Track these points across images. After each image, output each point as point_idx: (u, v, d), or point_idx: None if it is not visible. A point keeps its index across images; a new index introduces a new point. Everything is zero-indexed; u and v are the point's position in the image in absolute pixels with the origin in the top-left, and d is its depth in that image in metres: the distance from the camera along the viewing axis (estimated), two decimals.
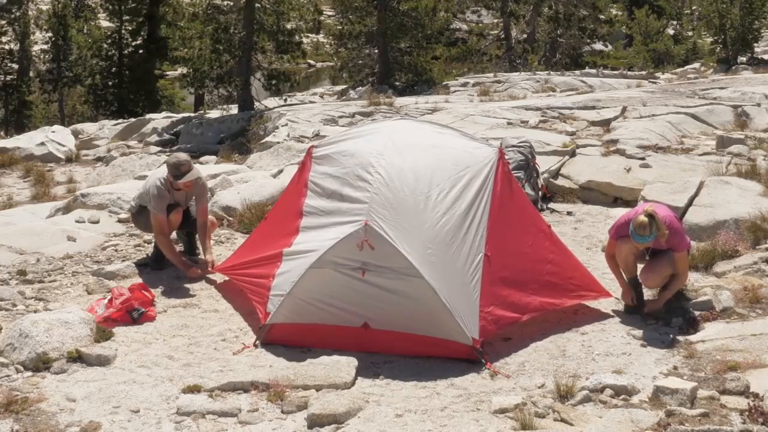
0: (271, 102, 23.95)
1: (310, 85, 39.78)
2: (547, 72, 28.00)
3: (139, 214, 7.93)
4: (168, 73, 34.71)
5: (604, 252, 7.20)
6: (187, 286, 7.53)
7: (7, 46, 33.85)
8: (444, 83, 26.68)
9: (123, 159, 16.08)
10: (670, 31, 44.30)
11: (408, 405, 5.30)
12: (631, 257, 6.76)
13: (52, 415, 5.11)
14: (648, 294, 6.92)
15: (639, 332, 6.37)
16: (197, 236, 8.05)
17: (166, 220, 7.63)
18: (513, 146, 10.01)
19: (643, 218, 6.32)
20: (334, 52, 32.31)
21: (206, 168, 12.73)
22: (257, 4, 20.97)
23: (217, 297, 7.30)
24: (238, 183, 10.81)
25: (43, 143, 17.80)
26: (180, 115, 21.89)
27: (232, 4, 21.60)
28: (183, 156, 7.85)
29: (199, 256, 8.09)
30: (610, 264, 6.95)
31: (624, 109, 14.61)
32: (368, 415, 5.13)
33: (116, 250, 8.50)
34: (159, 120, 20.67)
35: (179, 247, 8.24)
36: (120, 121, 22.42)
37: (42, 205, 11.56)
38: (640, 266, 6.86)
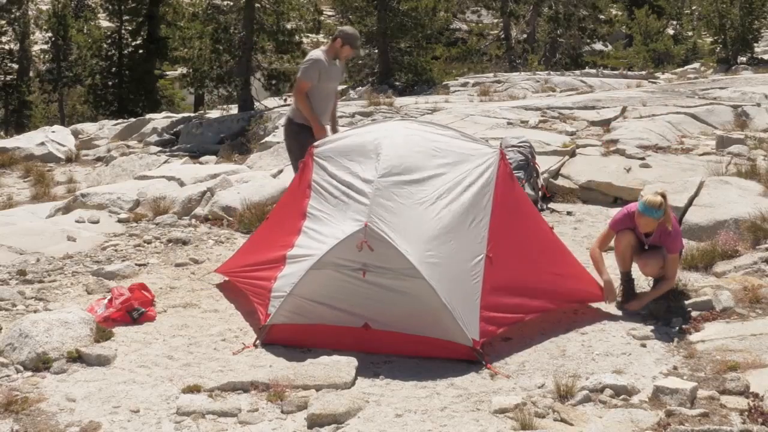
0: (271, 102, 23.98)
1: None
2: (547, 72, 28.04)
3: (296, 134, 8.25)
4: (168, 73, 34.76)
5: (591, 248, 7.10)
6: (187, 286, 7.53)
7: (7, 46, 33.92)
8: (444, 83, 26.71)
9: (123, 159, 16.11)
10: (670, 31, 44.35)
11: (408, 405, 5.29)
12: (629, 250, 6.82)
13: (52, 415, 5.11)
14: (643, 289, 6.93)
15: (639, 332, 6.36)
16: None
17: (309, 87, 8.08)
18: (513, 146, 10.00)
19: (657, 196, 6.58)
20: None
21: (206, 168, 12.75)
22: (257, 4, 21.00)
23: (217, 297, 7.29)
24: (238, 183, 10.81)
25: (43, 143, 17.83)
26: (180, 115, 21.91)
27: (232, 4, 21.63)
28: None
29: None
30: (595, 256, 6.91)
31: (624, 109, 14.61)
32: (368, 415, 5.13)
33: (116, 250, 8.50)
34: (159, 120, 20.69)
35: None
36: (120, 121, 22.45)
37: (42, 205, 11.57)
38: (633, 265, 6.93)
